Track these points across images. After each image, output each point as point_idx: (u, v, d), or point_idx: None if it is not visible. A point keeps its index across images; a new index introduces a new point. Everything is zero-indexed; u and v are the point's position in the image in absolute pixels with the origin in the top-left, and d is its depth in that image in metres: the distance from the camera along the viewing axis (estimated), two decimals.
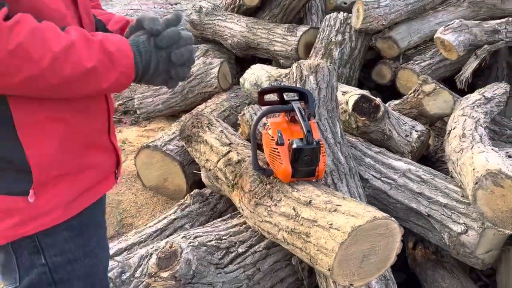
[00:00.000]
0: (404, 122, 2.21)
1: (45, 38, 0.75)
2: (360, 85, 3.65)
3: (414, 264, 2.09)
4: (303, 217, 1.44)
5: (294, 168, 1.52)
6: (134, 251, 1.78)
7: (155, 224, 2.04)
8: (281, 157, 1.53)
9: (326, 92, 2.02)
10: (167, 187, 2.66)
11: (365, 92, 2.29)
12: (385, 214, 1.32)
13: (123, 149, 3.18)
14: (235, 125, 2.90)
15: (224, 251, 1.67)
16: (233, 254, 1.68)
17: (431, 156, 2.38)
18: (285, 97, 1.67)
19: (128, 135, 3.43)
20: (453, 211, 1.70)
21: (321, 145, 1.56)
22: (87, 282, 0.98)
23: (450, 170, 1.85)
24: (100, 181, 1.00)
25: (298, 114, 1.54)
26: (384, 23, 3.09)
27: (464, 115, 2.18)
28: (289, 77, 2.13)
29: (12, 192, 0.85)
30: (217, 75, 3.32)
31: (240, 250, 1.71)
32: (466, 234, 1.62)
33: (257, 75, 2.88)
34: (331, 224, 1.33)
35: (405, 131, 2.17)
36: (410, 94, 2.54)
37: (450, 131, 2.08)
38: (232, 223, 1.88)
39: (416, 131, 2.17)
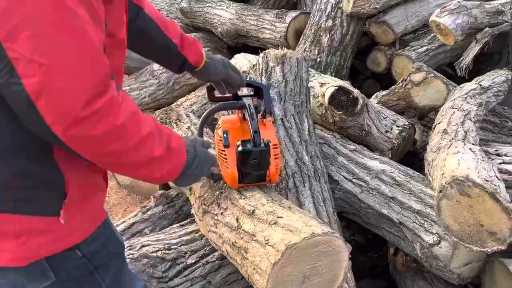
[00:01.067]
0: (385, 116, 2.01)
1: (139, 122, 0.84)
2: (356, 74, 3.44)
3: (394, 272, 1.92)
4: (243, 230, 1.29)
5: (241, 172, 1.36)
6: None
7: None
8: (228, 160, 1.38)
9: (293, 85, 1.84)
10: (140, 186, 2.54)
11: (344, 84, 2.09)
12: (327, 230, 1.15)
13: None
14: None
15: (170, 263, 1.53)
16: (180, 266, 1.54)
17: (418, 153, 2.17)
18: (238, 92, 1.51)
19: None
20: (426, 219, 1.51)
21: (275, 146, 1.39)
22: (119, 258, 1.06)
23: (425, 172, 1.65)
24: (104, 197, 1.07)
25: (247, 112, 1.37)
26: (376, 6, 2.84)
27: (453, 107, 1.96)
28: (255, 69, 1.96)
29: (42, 212, 0.87)
30: None
31: (190, 261, 1.57)
32: (439, 245, 1.43)
33: (239, 65, 2.70)
34: (268, 240, 1.17)
35: (385, 126, 1.97)
36: (398, 84, 2.33)
37: (435, 125, 1.88)
38: (188, 229, 1.74)
39: (398, 126, 1.96)
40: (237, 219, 1.34)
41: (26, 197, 0.85)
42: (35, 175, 0.85)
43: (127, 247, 1.55)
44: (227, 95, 1.50)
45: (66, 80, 0.71)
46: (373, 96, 2.45)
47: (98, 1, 0.78)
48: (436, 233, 1.45)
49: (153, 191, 2.49)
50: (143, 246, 1.57)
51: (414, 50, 2.89)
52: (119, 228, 1.91)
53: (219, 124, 1.50)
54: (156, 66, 3.49)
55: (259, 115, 1.44)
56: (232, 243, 1.31)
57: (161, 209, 2.02)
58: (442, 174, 1.29)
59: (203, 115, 1.48)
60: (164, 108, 2.28)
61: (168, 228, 1.81)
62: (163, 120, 2.18)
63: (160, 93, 3.47)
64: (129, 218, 1.97)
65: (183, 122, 2.12)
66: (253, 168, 1.33)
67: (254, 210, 1.31)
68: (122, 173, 0.94)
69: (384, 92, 2.40)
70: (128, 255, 1.46)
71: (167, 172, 0.94)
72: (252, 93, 1.51)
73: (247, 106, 1.38)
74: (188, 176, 1.01)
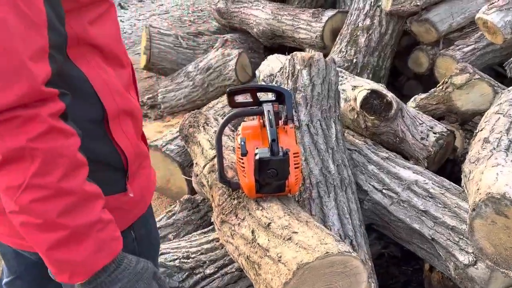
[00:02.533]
0: (421, 122, 1.88)
1: (65, 166, 0.69)
2: (396, 75, 3.28)
3: None
4: (258, 243, 1.23)
5: (258, 182, 1.30)
6: None
7: None
8: (246, 169, 1.32)
9: (321, 89, 1.75)
10: (170, 189, 2.54)
11: (378, 87, 1.98)
12: (344, 248, 1.07)
13: None
14: None
15: (187, 273, 1.50)
16: (198, 276, 1.50)
17: (458, 161, 2.01)
18: (259, 97, 1.45)
19: (147, 131, 3.36)
20: (461, 237, 1.38)
21: (296, 155, 1.32)
22: (156, 250, 1.07)
23: (462, 185, 1.52)
24: None
25: (266, 119, 1.31)
26: (418, 3, 2.69)
27: (498, 113, 1.79)
28: (282, 72, 1.89)
29: (113, 190, 0.86)
30: (235, 67, 3.12)
31: (208, 271, 1.53)
32: (475, 266, 1.31)
33: (272, 66, 2.63)
34: (280, 256, 1.10)
35: (421, 132, 1.84)
36: (438, 86, 2.18)
37: (476, 133, 1.73)
38: (210, 237, 1.70)
39: (434, 133, 1.83)
40: (252, 232, 1.28)
41: (95, 181, 0.80)
42: (99, 156, 0.84)
43: None
44: (248, 100, 1.44)
45: None
46: (411, 100, 2.31)
47: (31, 2, 0.66)
48: (472, 252, 1.32)
49: (182, 194, 2.49)
50: (161, 254, 1.55)
51: (459, 49, 2.71)
52: None
53: (238, 131, 1.45)
54: (191, 67, 3.50)
55: (281, 122, 1.38)
56: (247, 256, 1.26)
57: (186, 214, 2.00)
58: (478, 189, 1.17)
59: (221, 123, 1.43)
60: (193, 111, 2.25)
61: (189, 236, 1.78)
62: (191, 123, 2.16)
63: (195, 95, 3.47)
64: None
65: (210, 126, 2.08)
66: (271, 178, 1.27)
67: (270, 223, 1.25)
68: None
69: (423, 96, 2.25)
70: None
71: (75, 258, 0.72)
72: (273, 98, 1.44)
73: (266, 112, 1.32)
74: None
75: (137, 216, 0.95)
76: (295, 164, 1.30)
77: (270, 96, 1.48)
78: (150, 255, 1.00)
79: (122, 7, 8.01)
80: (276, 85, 1.80)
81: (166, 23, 6.72)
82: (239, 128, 1.45)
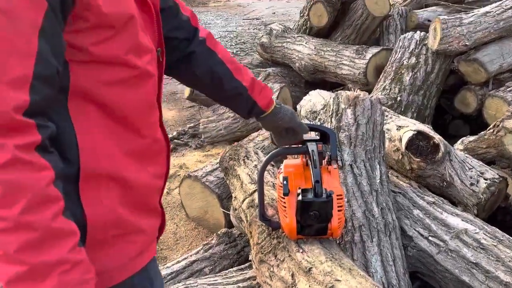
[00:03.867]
0: (471, 167, 1.80)
1: (16, 202, 0.65)
2: (442, 113, 3.19)
3: None
4: None
5: (299, 223, 1.27)
6: None
7: (173, 265, 1.91)
8: (287, 209, 1.30)
9: (366, 129, 1.72)
10: (207, 220, 2.54)
11: (425, 128, 1.92)
12: None
13: (179, 175, 3.15)
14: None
15: None
16: None
17: (511, 209, 1.91)
18: (303, 136, 1.43)
19: (188, 160, 3.40)
20: None
21: (339, 197, 1.29)
22: None
23: None
24: (148, 246, 0.92)
25: (310, 159, 1.29)
26: (466, 43, 2.64)
27: None
28: (326, 110, 1.87)
29: None
30: None
31: None
32: None
33: (313, 102, 2.63)
34: None
35: (471, 178, 1.76)
36: (488, 130, 2.10)
37: None
38: (246, 275, 1.67)
39: (485, 179, 1.74)
40: (292, 275, 1.24)
41: None
42: None
43: (182, 287, 1.51)
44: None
45: None
46: (458, 142, 2.23)
47: (21, 31, 0.65)
48: None
49: (219, 226, 2.48)
50: None
51: (510, 91, 2.62)
52: (179, 265, 1.90)
53: (281, 169, 1.43)
54: None
55: (324, 162, 1.36)
56: None
57: (222, 248, 1.98)
58: None
59: (264, 160, 1.42)
60: (233, 144, 2.27)
61: (226, 271, 1.76)
62: (231, 156, 2.17)
63: (235, 126, 3.50)
64: (191, 256, 1.95)
65: (250, 160, 2.08)
66: (313, 220, 1.24)
67: (311, 268, 1.21)
68: None
69: (472, 138, 2.17)
70: None
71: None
72: (318, 137, 1.42)
73: (311, 152, 1.30)
74: None
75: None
76: (338, 206, 1.27)
77: (314, 135, 1.47)
78: None
79: None
80: (320, 124, 1.78)
81: None
82: (282, 166, 1.43)
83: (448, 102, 3.10)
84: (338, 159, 1.69)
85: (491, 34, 2.68)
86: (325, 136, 1.38)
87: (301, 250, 1.30)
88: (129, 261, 0.87)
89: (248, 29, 9.37)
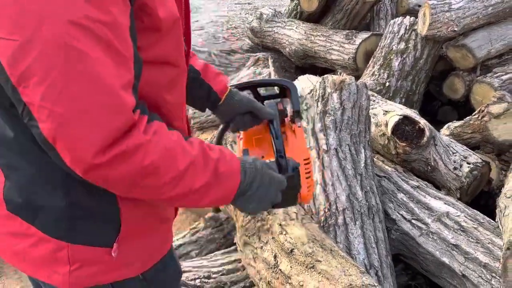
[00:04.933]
0: (455, 151, 1.82)
1: (175, 157, 0.77)
2: (431, 100, 3.21)
3: None
4: (280, 269, 1.20)
5: None
6: None
7: None
8: None
9: (351, 113, 1.73)
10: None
11: (411, 113, 1.93)
12: (368, 281, 1.03)
13: None
14: None
15: None
16: None
17: (494, 194, 1.93)
18: (261, 93, 1.23)
19: None
20: (493, 275, 1.31)
21: (307, 162, 1.13)
22: (174, 286, 1.03)
23: (496, 220, 1.45)
24: (171, 230, 1.01)
25: (270, 128, 1.10)
26: (455, 28, 2.64)
27: None
28: (312, 94, 1.87)
29: (95, 243, 0.86)
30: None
31: None
32: None
33: (302, 87, 2.63)
34: (302, 285, 1.08)
35: (455, 162, 1.78)
36: (474, 115, 2.11)
37: None
38: (231, 258, 1.69)
39: (468, 163, 1.76)
40: (275, 257, 1.26)
41: (79, 227, 0.85)
42: (89, 207, 0.85)
43: None
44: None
45: (77, 127, 0.67)
46: (444, 127, 2.25)
47: (123, 37, 0.70)
48: None
49: (207, 210, 2.49)
50: (183, 271, 1.54)
51: (497, 77, 2.63)
52: None
53: (240, 133, 1.24)
54: None
55: (287, 120, 1.20)
56: (268, 281, 1.24)
57: (209, 232, 1.99)
58: None
59: (219, 129, 1.25)
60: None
61: (212, 254, 1.77)
62: (218, 142, 2.16)
63: None
64: (177, 240, 1.96)
65: (238, 144, 2.09)
66: (281, 194, 1.06)
67: (293, 249, 1.22)
68: (164, 204, 0.88)
69: (458, 123, 2.19)
70: None
71: (217, 198, 0.85)
72: (277, 92, 1.24)
73: (272, 124, 1.10)
74: (248, 199, 0.90)
75: (120, 278, 0.91)
76: (306, 173, 1.13)
77: (275, 90, 1.27)
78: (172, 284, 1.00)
79: None
80: (278, 78, 1.65)
81: (200, 39, 6.85)
82: (240, 134, 1.24)
83: (437, 88, 3.11)
84: (324, 142, 1.68)
85: (479, 19, 2.68)
86: (284, 92, 1.22)
87: (284, 232, 1.32)
88: (160, 245, 0.95)
89: (240, 13, 9.27)
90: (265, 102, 1.18)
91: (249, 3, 10.27)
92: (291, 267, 1.17)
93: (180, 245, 1.93)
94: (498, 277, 1.30)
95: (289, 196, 1.09)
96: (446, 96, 2.97)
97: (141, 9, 0.73)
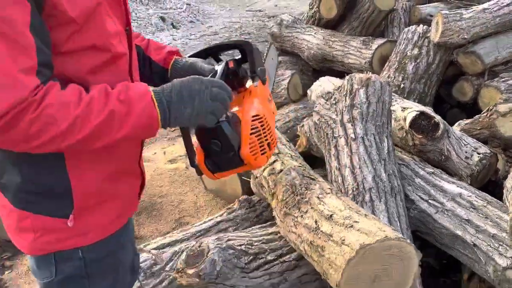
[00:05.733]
0: (466, 143, 2.05)
1: (67, 105, 0.82)
2: (441, 102, 3.44)
3: None
4: (321, 231, 1.43)
5: (211, 159, 1.04)
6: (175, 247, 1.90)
7: (200, 224, 2.15)
8: (195, 147, 1.07)
9: (376, 107, 1.97)
10: (225, 191, 2.77)
11: (426, 109, 2.17)
12: (399, 235, 1.26)
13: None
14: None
15: (252, 257, 1.71)
16: (261, 261, 1.71)
17: (500, 183, 2.16)
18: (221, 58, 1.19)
19: None
20: (501, 243, 1.54)
21: (255, 118, 1.04)
22: (112, 277, 1.09)
23: (503, 199, 1.68)
24: (129, 205, 1.09)
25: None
26: (465, 36, 2.88)
27: None
28: (340, 90, 2.11)
29: (52, 214, 0.96)
30: (287, 87, 3.37)
31: (269, 257, 1.73)
32: None
33: (323, 87, 2.88)
34: (344, 240, 1.31)
35: (466, 152, 2.01)
36: (483, 113, 2.35)
37: None
38: (268, 231, 1.91)
39: (478, 153, 1.99)
40: (316, 222, 1.49)
41: (37, 200, 0.96)
42: (43, 182, 0.95)
43: (215, 239, 1.75)
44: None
45: None
46: (455, 124, 2.48)
47: (20, 31, 0.79)
48: (511, 257, 1.48)
49: (236, 196, 2.72)
50: (229, 240, 1.77)
51: (503, 81, 2.87)
52: (206, 225, 2.14)
53: None
54: None
55: (250, 81, 1.12)
56: (310, 242, 1.46)
57: (243, 212, 2.22)
58: None
59: None
60: None
61: (250, 229, 2.00)
62: None
63: None
64: (216, 217, 2.19)
65: None
66: (218, 151, 1.01)
67: (332, 214, 1.45)
68: (92, 147, 0.88)
69: (468, 121, 2.42)
70: (217, 245, 1.66)
71: (140, 121, 0.87)
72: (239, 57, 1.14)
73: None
74: (178, 109, 0.89)
75: (78, 245, 0.99)
76: (252, 129, 1.03)
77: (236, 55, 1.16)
78: (108, 276, 1.06)
79: (174, 27, 8.53)
80: (236, 39, 1.31)
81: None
82: None
83: (446, 91, 3.34)
84: (348, 131, 1.91)
85: (488, 29, 2.92)
86: (244, 53, 1.12)
87: (322, 203, 1.55)
88: (108, 223, 1.03)
89: (252, 20, 9.54)
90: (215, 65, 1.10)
91: (260, 11, 10.55)
92: (332, 227, 1.40)
93: (219, 222, 2.16)
94: (504, 245, 1.53)
95: (224, 148, 1.01)
96: (455, 99, 3.20)
97: (53, 8, 0.83)
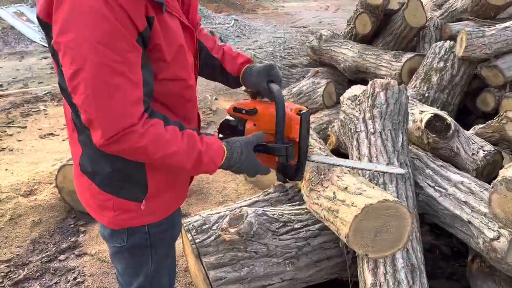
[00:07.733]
0: (473, 142, 2.35)
1: (163, 143, 1.07)
2: (468, 113, 3.69)
3: (469, 276, 2.20)
4: (338, 199, 1.80)
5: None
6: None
7: (240, 202, 2.55)
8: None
9: (393, 107, 2.31)
10: (263, 182, 3.17)
11: (441, 112, 2.48)
12: (397, 199, 1.60)
13: None
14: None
15: (282, 223, 2.09)
16: (289, 227, 2.09)
17: None
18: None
19: None
20: (491, 220, 1.83)
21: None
22: (168, 245, 1.39)
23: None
24: (183, 192, 1.37)
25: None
26: (487, 52, 3.15)
27: None
28: (364, 93, 2.47)
29: (130, 198, 1.21)
30: (323, 94, 3.74)
31: (296, 226, 2.11)
32: (498, 240, 1.75)
33: (354, 93, 3.23)
34: (353, 202, 1.67)
35: (473, 149, 2.31)
36: (494, 119, 2.62)
37: None
38: (297, 207, 2.29)
39: (484, 150, 2.28)
40: (333, 193, 1.85)
41: (121, 186, 1.20)
42: (127, 174, 1.18)
43: (253, 208, 2.14)
44: None
45: (99, 123, 1.01)
46: (471, 128, 2.76)
47: (134, 70, 1.02)
48: (497, 230, 1.77)
49: (269, 183, 3.10)
50: (264, 211, 2.16)
51: None
52: (245, 203, 2.54)
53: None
54: (285, 92, 4.17)
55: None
56: (329, 208, 1.83)
57: (277, 195, 2.60)
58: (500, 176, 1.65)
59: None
60: None
61: (280, 206, 2.38)
62: None
63: None
64: (253, 197, 2.58)
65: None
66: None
67: (346, 187, 1.82)
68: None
69: (481, 125, 2.70)
70: (254, 211, 2.05)
71: (200, 172, 1.20)
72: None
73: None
74: (231, 170, 1.26)
75: (147, 222, 1.25)
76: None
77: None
78: (164, 247, 1.34)
79: (222, 41, 9.12)
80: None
81: (261, 56, 7.60)
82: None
83: (472, 103, 3.60)
84: (369, 127, 2.28)
85: (509, 45, 3.18)
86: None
87: (340, 180, 1.91)
88: (169, 206, 1.31)
89: (296, 35, 9.98)
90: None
91: (304, 27, 10.99)
92: (345, 195, 1.76)
93: (256, 202, 2.56)
94: (493, 221, 1.82)
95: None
96: (479, 109, 3.46)
97: (153, 48, 1.06)
